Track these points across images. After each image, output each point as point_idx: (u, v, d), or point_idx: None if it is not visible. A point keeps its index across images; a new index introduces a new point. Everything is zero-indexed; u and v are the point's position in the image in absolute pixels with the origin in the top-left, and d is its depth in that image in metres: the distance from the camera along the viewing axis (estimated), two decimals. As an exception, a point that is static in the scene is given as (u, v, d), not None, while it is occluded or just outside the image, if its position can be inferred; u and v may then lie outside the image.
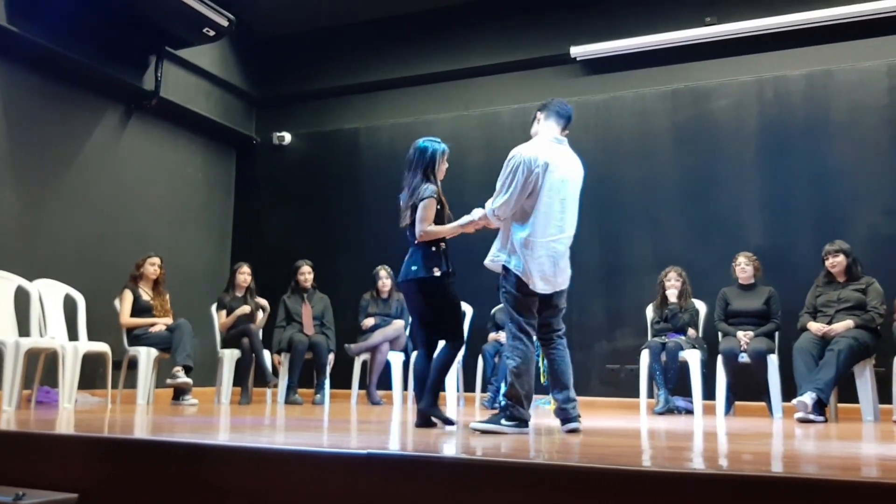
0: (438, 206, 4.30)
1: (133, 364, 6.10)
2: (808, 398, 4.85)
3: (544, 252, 3.83)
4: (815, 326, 5.36)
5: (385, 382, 6.63)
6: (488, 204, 4.09)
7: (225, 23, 6.79)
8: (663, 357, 5.84)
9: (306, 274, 6.95)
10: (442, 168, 4.48)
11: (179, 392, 6.17)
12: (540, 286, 3.81)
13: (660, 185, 6.86)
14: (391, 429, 4.01)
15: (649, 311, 6.26)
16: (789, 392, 5.32)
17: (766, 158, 6.54)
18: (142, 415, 4.77)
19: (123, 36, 6.74)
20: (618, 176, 6.93)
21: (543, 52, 7.31)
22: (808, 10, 6.37)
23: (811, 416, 4.82)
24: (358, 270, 7.30)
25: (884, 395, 5.34)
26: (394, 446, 3.01)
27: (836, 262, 5.49)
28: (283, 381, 6.56)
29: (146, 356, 6.06)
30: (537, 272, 3.80)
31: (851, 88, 6.35)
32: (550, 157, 3.92)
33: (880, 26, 6.25)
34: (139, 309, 6.25)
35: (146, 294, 6.33)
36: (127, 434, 3.35)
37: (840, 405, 5.49)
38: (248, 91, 8.32)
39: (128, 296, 6.23)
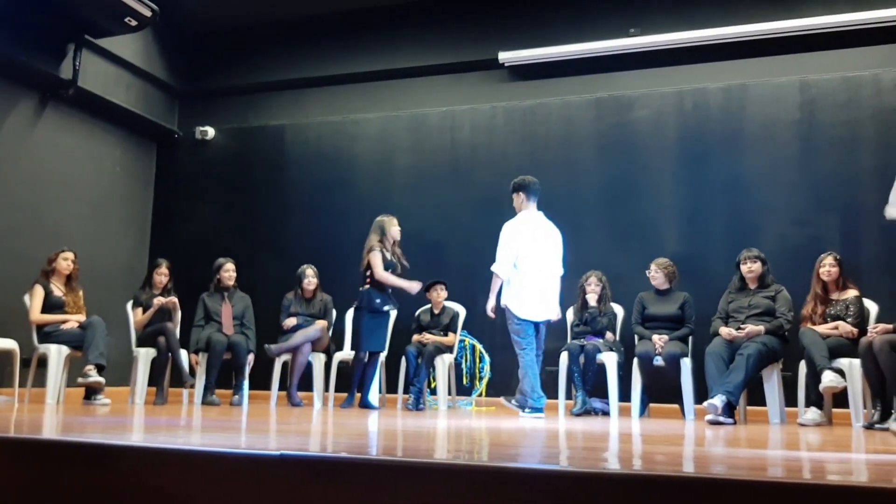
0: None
1: (43, 362, 5.89)
2: (718, 401, 5.01)
3: None
4: (726, 331, 5.54)
5: (306, 384, 6.55)
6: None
7: (148, 13, 6.61)
8: (582, 359, 5.95)
9: (231, 272, 6.80)
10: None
11: (91, 391, 5.96)
12: None
13: (582, 191, 7.00)
14: (311, 430, 3.97)
15: (569, 315, 6.37)
16: (702, 394, 5.48)
17: (683, 168, 6.74)
18: (51, 414, 4.60)
19: (39, 22, 6.50)
20: (542, 181, 6.98)
21: (472, 57, 7.37)
22: (727, 25, 6.60)
23: (721, 418, 4.98)
24: (280, 270, 7.21)
25: (790, 399, 5.57)
26: (308, 447, 2.97)
27: (752, 268, 5.69)
28: (200, 382, 6.41)
29: (57, 354, 5.85)
30: None
31: (766, 102, 6.61)
32: None
33: (794, 44, 6.52)
34: (50, 305, 6.03)
35: (58, 290, 6.11)
36: (34, 434, 3.22)
37: (749, 408, 5.70)
38: (170, 83, 8.12)
39: (38, 291, 6.00)
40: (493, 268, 5.61)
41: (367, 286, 6.27)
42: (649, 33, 6.82)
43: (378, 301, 6.24)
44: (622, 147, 6.95)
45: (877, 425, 4.78)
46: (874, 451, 3.29)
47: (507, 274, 5.59)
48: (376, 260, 6.22)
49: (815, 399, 5.23)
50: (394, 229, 6.37)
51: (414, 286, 6.26)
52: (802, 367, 5.39)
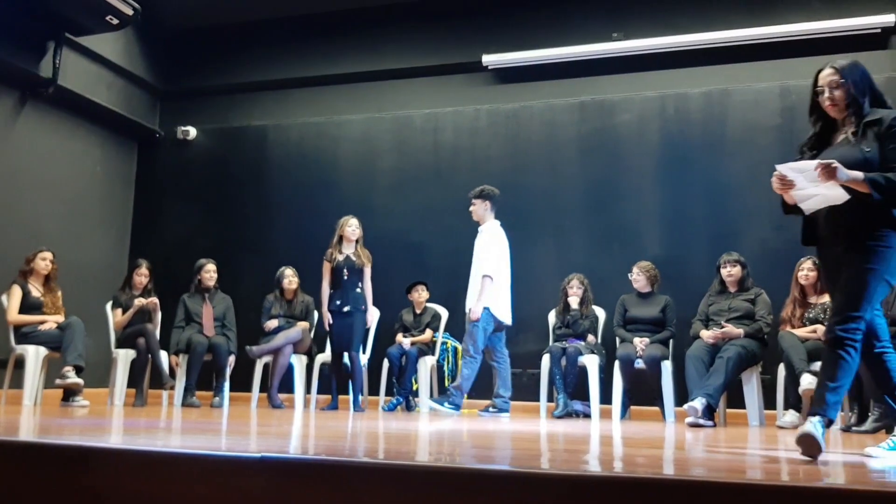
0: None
1: (20, 363, 5.82)
2: (698, 403, 5.04)
3: None
4: (708, 334, 5.58)
5: (287, 385, 6.52)
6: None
7: (130, 11, 6.56)
8: (563, 362, 5.96)
9: (211, 272, 6.76)
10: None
11: (69, 393, 5.90)
12: None
13: (565, 194, 7.02)
14: (291, 432, 3.95)
15: (551, 317, 6.39)
16: (682, 397, 5.52)
17: (665, 172, 6.78)
18: (28, 416, 4.55)
19: (19, 19, 6.43)
20: (525, 184, 7.06)
21: (456, 59, 7.38)
22: (709, 31, 6.65)
23: (701, 421, 5.01)
24: (261, 271, 7.18)
25: (769, 401, 5.62)
26: (289, 449, 2.96)
27: (733, 272, 5.73)
28: (180, 383, 6.37)
29: (34, 355, 5.79)
30: None
31: (747, 108, 6.66)
32: None
33: (775, 50, 6.58)
34: (28, 305, 5.97)
35: (36, 290, 6.05)
36: (10, 436, 3.18)
37: (728, 410, 5.74)
38: (152, 83, 8.06)
39: (16, 291, 5.94)
40: (488, 271, 5.90)
41: (332, 291, 6.30)
42: (632, 38, 6.86)
43: (338, 302, 6.22)
44: (605, 151, 6.98)
45: (854, 428, 4.82)
46: (851, 454, 3.32)
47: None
48: (322, 271, 6.33)
49: (793, 402, 5.28)
50: (347, 230, 6.30)
51: (324, 318, 6.27)
52: (781, 371, 5.44)
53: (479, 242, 6.08)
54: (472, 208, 6.15)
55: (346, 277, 6.24)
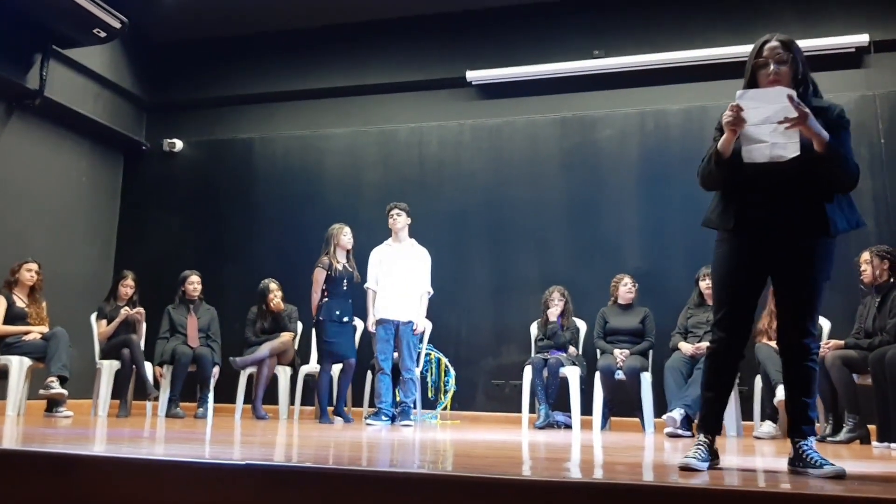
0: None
1: (3, 373, 5.80)
2: (677, 414, 5.12)
3: None
4: (686, 347, 5.66)
5: (272, 397, 6.54)
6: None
7: (117, 24, 6.61)
8: (545, 373, 6.02)
9: (195, 284, 6.79)
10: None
11: (53, 403, 5.89)
12: None
13: (547, 208, 7.11)
14: (276, 441, 3.98)
15: (533, 329, 6.45)
16: (662, 408, 5.59)
17: (645, 186, 6.88)
18: (11, 426, 4.55)
19: (6, 31, 6.46)
20: (508, 198, 7.14)
21: (441, 74, 7.46)
22: (688, 49, 6.77)
23: (679, 431, 5.08)
24: (246, 283, 7.19)
25: (746, 413, 5.71)
26: (273, 457, 3.00)
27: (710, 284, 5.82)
28: (164, 394, 6.37)
29: (18, 365, 5.78)
30: None
31: (725, 125, 6.75)
32: None
33: (752, 68, 6.70)
34: (13, 316, 5.96)
35: (21, 301, 6.05)
36: (-5, 445, 3.19)
37: (707, 421, 5.80)
38: (139, 95, 8.09)
39: (1, 302, 5.93)
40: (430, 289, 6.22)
41: (327, 299, 6.16)
42: (613, 55, 6.98)
43: (338, 312, 6.16)
44: (586, 165, 7.08)
45: (829, 439, 4.91)
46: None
47: None
48: (315, 277, 6.19)
49: (770, 413, 5.37)
50: (343, 238, 6.26)
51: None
52: (758, 382, 5.53)
53: (425, 257, 6.24)
54: (402, 219, 6.13)
55: (345, 287, 6.22)
